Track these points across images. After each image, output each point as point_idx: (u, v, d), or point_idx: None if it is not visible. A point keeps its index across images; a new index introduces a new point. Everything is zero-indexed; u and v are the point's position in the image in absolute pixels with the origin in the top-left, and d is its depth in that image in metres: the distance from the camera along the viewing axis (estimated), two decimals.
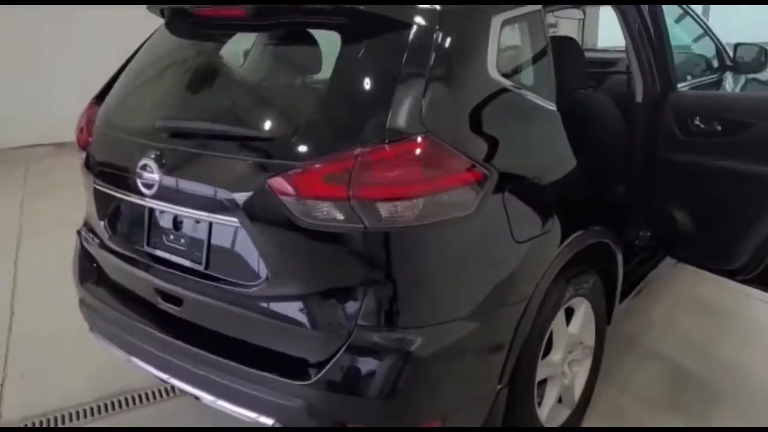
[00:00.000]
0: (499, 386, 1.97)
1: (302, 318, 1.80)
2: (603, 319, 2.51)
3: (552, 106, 2.13)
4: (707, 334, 3.13)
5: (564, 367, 2.34)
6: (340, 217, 1.69)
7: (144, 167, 1.98)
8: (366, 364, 1.73)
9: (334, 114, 1.81)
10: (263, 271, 1.83)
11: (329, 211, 1.69)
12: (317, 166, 1.70)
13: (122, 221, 2.21)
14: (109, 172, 2.16)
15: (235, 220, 1.81)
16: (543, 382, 2.27)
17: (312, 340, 1.81)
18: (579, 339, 2.38)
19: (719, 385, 2.76)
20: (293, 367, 1.81)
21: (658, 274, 3.09)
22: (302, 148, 1.77)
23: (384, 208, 1.67)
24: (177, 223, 2.02)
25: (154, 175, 1.96)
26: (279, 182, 1.72)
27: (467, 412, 1.94)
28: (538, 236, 1.98)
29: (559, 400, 2.39)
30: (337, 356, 1.75)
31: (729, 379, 2.80)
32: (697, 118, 2.67)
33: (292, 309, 1.82)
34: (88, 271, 2.41)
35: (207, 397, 1.97)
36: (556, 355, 2.26)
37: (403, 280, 1.73)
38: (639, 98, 2.87)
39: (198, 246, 1.97)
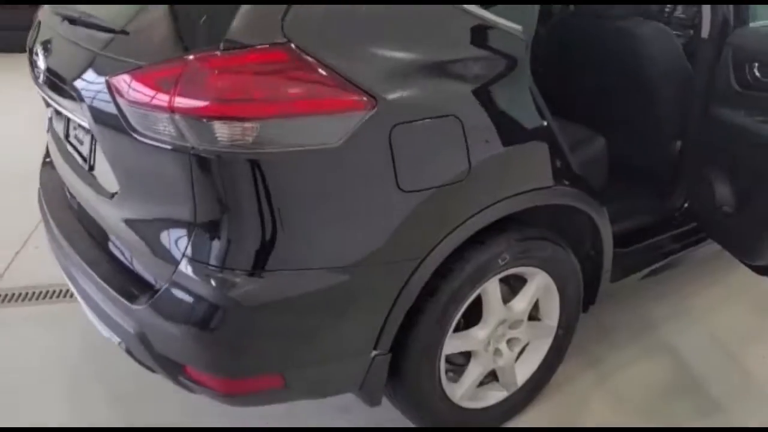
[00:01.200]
0: (375, 352, 1.69)
1: (148, 240, 1.63)
2: (573, 298, 2.09)
3: (505, 26, 1.68)
4: (745, 334, 2.54)
5: (499, 345, 1.99)
6: (169, 132, 1.45)
7: (36, 53, 1.86)
8: (187, 301, 1.53)
9: (190, 10, 1.54)
10: (116, 183, 1.67)
11: (157, 123, 1.46)
12: (151, 69, 1.47)
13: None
14: (31, 57, 2.08)
15: (86, 118, 1.65)
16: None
17: (155, 266, 1.63)
18: (523, 316, 1.99)
19: (722, 398, 2.23)
20: (138, 290, 1.67)
21: (702, 255, 2.54)
22: (150, 47, 1.53)
23: (212, 127, 1.41)
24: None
25: (40, 63, 1.84)
26: (116, 82, 1.51)
27: (326, 375, 1.70)
28: (440, 187, 1.61)
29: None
30: (164, 287, 1.57)
31: (739, 393, 2.26)
32: (756, 65, 2.05)
33: (141, 229, 1.65)
34: (45, 156, 2.40)
35: (83, 306, 1.89)
36: (481, 330, 1.92)
37: (235, 215, 1.48)
38: (705, 33, 2.28)
39: (86, 143, 1.85)
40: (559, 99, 2.66)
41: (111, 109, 1.54)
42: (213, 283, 1.50)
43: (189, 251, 1.53)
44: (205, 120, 1.40)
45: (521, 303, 1.97)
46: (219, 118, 1.40)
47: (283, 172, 1.47)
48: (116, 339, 1.74)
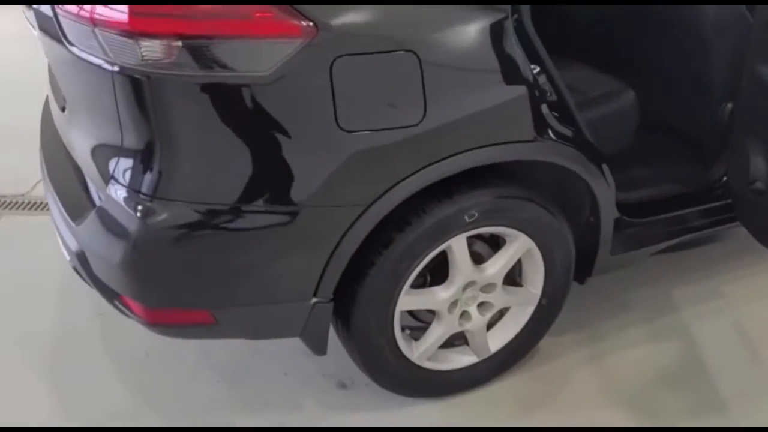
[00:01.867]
0: (314, 299, 1.60)
1: (90, 158, 1.58)
2: (562, 266, 1.89)
3: None
4: None
5: (468, 308, 1.84)
6: (93, 45, 1.38)
7: None
8: (110, 225, 1.49)
9: None
10: (64, 95, 1.63)
11: (83, 34, 1.39)
12: None
13: None
14: None
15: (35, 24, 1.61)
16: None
17: (95, 186, 1.60)
18: (496, 280, 1.83)
19: (726, 398, 1.98)
20: (85, 210, 1.64)
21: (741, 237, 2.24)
22: None
23: (131, 43, 1.32)
24: None
25: None
26: None
27: (261, 318, 1.62)
28: (388, 130, 1.46)
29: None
30: (95, 209, 1.54)
31: (747, 395, 2.00)
32: None
33: (85, 146, 1.60)
34: None
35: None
36: (444, 290, 1.77)
37: (157, 140, 1.40)
38: None
39: None
40: (585, 43, 2.40)
41: (50, 14, 1.49)
42: (130, 208, 1.44)
43: (115, 173, 1.48)
44: (123, 34, 1.32)
45: (494, 266, 1.80)
46: (138, 34, 1.31)
47: (206, 99, 1.37)
48: (67, 257, 1.74)
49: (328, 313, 1.65)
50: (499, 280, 1.83)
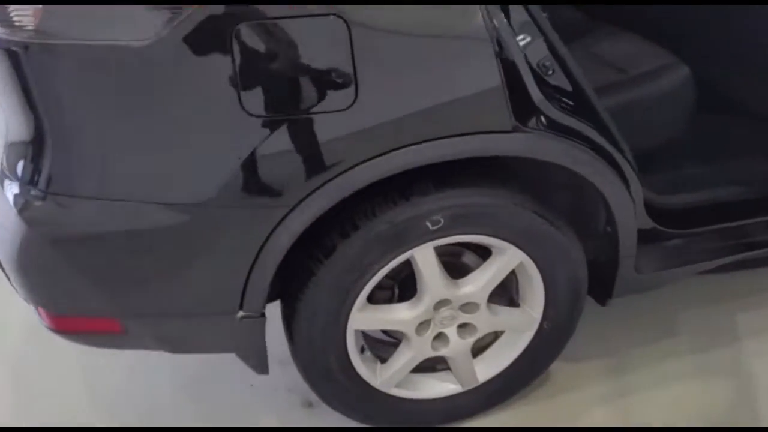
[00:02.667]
0: (241, 313, 1.36)
1: None
2: (567, 285, 1.53)
3: None
4: None
5: (446, 330, 1.52)
6: None
7: None
8: (4, 222, 1.30)
9: None
10: None
11: None
12: None
13: None
14: None
15: None
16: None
17: None
18: (477, 299, 1.49)
19: None
20: None
21: None
22: None
23: None
24: None
25: None
26: None
27: (180, 331, 1.40)
28: (310, 115, 1.17)
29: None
30: None
31: None
32: None
33: None
34: None
35: None
36: (407, 309, 1.47)
37: (29, 122, 1.19)
38: None
39: None
40: (634, 9, 1.96)
41: None
42: (10, 199, 1.24)
43: (6, 165, 1.28)
44: None
45: (473, 283, 1.48)
46: None
47: (77, 73, 1.14)
48: None
49: (260, 329, 1.40)
50: (482, 300, 1.50)
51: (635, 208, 1.50)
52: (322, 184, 1.23)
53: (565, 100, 1.36)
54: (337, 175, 1.22)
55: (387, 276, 1.50)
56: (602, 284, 1.62)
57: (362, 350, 1.54)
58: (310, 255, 1.38)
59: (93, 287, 1.31)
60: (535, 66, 1.32)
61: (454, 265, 1.53)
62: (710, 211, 1.69)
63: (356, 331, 1.47)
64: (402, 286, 1.52)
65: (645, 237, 1.57)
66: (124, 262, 1.28)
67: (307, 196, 1.23)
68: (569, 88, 1.37)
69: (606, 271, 1.59)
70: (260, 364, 1.47)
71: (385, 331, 1.61)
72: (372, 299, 1.52)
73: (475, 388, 1.62)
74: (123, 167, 1.20)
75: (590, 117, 1.39)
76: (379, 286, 1.52)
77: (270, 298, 1.52)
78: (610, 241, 1.54)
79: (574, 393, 1.73)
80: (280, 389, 1.77)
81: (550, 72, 1.35)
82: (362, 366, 1.52)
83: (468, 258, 1.55)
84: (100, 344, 1.45)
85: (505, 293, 1.65)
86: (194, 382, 1.83)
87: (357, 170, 1.23)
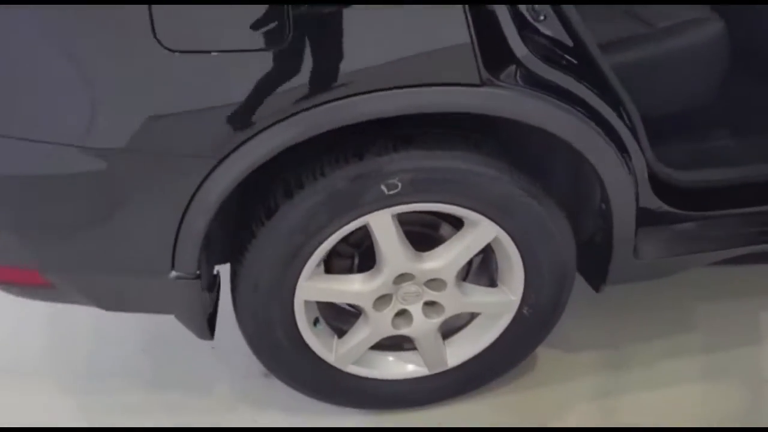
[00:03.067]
0: (174, 274, 1.22)
1: None
2: (550, 267, 1.34)
3: None
4: None
5: (409, 307, 1.36)
6: None
7: None
8: None
9: None
10: None
11: None
12: None
13: None
14: None
15: None
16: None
17: None
18: (443, 275, 1.32)
19: None
20: None
21: None
22: None
23: None
24: None
25: None
26: None
27: (110, 289, 1.28)
28: (235, 53, 1.00)
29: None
30: None
31: None
32: None
33: None
34: None
35: None
36: (365, 282, 1.31)
37: None
38: None
39: None
40: None
41: None
42: None
43: None
44: None
45: (438, 258, 1.30)
46: None
47: None
48: None
49: (196, 292, 1.26)
50: (450, 277, 1.33)
51: (636, 184, 1.28)
52: (256, 134, 1.07)
53: (555, 51, 1.16)
54: (269, 126, 1.06)
55: (349, 243, 1.35)
56: (598, 268, 1.43)
57: (316, 322, 1.39)
58: (252, 215, 1.23)
59: (9, 235, 1.19)
60: (522, 9, 1.11)
61: (430, 238, 1.36)
62: (734, 192, 1.46)
63: (308, 303, 1.33)
64: (363, 256, 1.36)
65: (650, 217, 1.36)
66: (41, 210, 1.16)
67: (238, 146, 1.08)
68: (563, 38, 1.16)
69: (601, 253, 1.39)
70: (200, 330, 1.34)
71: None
72: (331, 269, 1.38)
73: (444, 373, 1.46)
74: (40, 106, 1.07)
75: (586, 74, 1.18)
76: (338, 254, 1.38)
77: (221, 260, 1.41)
78: (605, 220, 1.34)
79: (560, 385, 1.55)
80: (240, 354, 1.63)
81: (542, 17, 1.14)
82: (315, 340, 1.37)
83: (445, 230, 1.38)
84: (33, 296, 1.34)
85: (487, 272, 1.48)
86: (159, 343, 1.72)
87: (292, 122, 1.06)
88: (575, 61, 1.18)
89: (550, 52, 1.15)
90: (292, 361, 1.39)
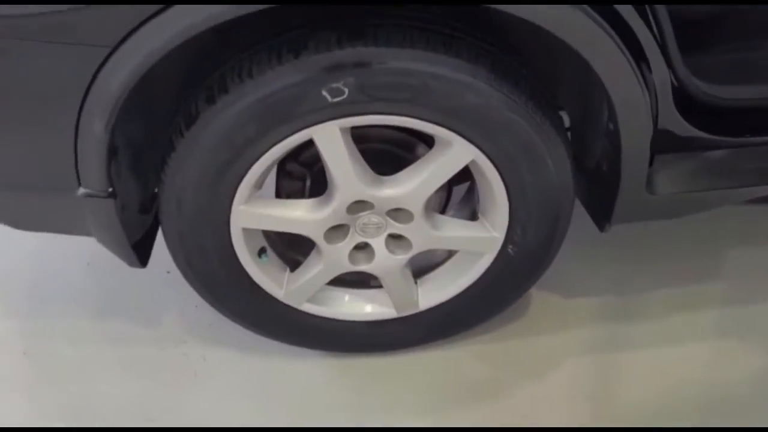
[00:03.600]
0: (82, 190, 1.03)
1: None
2: (542, 198, 1.10)
3: None
4: None
5: (371, 240, 1.15)
6: None
7: None
8: None
9: None
10: None
11: None
12: None
13: None
14: None
15: None
16: None
17: None
18: (407, 205, 1.09)
19: None
20: None
21: None
22: None
23: None
24: None
25: None
26: None
27: (13, 205, 1.10)
28: None
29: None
30: None
31: None
32: None
33: None
34: None
35: None
36: (313, 210, 1.10)
37: None
38: None
39: None
40: None
41: None
42: None
43: None
44: None
45: (402, 183, 1.07)
46: None
47: None
48: None
49: (111, 213, 1.07)
50: (416, 207, 1.10)
51: (656, 101, 1.02)
52: (148, 18, 0.84)
53: None
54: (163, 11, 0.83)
55: (300, 162, 1.14)
56: (603, 203, 1.18)
57: (261, 253, 1.20)
58: (174, 126, 1.02)
59: None
60: None
61: (404, 160, 1.13)
62: None
63: (250, 230, 1.13)
64: (316, 178, 1.15)
65: (671, 142, 1.10)
66: None
67: (132, 32, 0.86)
68: None
69: (608, 185, 1.15)
70: (126, 256, 1.16)
71: None
72: (282, 192, 1.17)
73: (415, 316, 1.27)
74: None
75: None
76: (290, 176, 1.17)
77: None
78: (612, 144, 1.09)
79: (551, 335, 1.34)
80: None
81: None
82: (260, 273, 1.18)
83: (422, 152, 1.15)
84: None
85: (470, 203, 1.25)
86: (113, 267, 1.55)
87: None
88: None
89: None
90: (234, 296, 1.21)
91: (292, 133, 0.99)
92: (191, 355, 1.36)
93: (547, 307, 1.38)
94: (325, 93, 0.94)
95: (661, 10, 0.99)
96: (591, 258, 1.44)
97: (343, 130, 1.00)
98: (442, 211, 1.25)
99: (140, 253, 1.17)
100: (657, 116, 1.06)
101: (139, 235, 1.17)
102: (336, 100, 0.95)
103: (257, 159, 1.01)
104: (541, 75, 1.08)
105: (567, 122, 1.22)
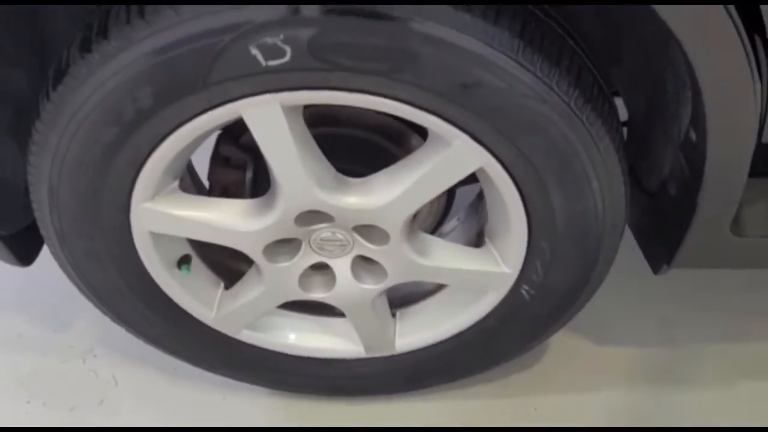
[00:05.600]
0: None
1: None
2: (575, 225, 0.75)
3: None
4: None
5: (330, 261, 0.82)
6: None
7: None
8: None
9: None
10: None
11: None
12: None
13: None
14: None
15: None
16: None
17: None
18: (382, 222, 0.75)
19: None
20: None
21: None
22: None
23: None
24: None
25: None
26: None
27: None
28: None
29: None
30: None
31: None
32: None
33: None
34: None
35: None
36: (245, 216, 0.77)
37: None
38: None
39: None
40: None
41: None
42: None
43: None
44: None
45: (371, 190, 0.74)
46: None
47: None
48: None
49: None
50: (393, 227, 0.76)
51: (765, 105, 0.67)
52: None
53: None
54: None
55: (240, 146, 0.81)
56: (665, 238, 0.84)
57: (181, 264, 0.87)
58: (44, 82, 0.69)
59: None
60: None
61: (394, 157, 0.80)
62: None
63: (160, 236, 0.81)
64: (260, 170, 0.81)
65: None
66: None
67: None
68: None
69: (676, 215, 0.80)
70: (19, 257, 0.86)
71: None
72: (216, 186, 0.85)
73: (390, 358, 0.95)
74: None
75: None
76: (226, 163, 0.84)
77: None
78: (690, 159, 0.73)
79: (571, 396, 1.00)
80: None
81: None
82: (180, 290, 0.86)
83: (416, 142, 0.81)
84: None
85: (477, 215, 0.91)
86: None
87: None
88: None
89: None
90: (144, 317, 0.89)
91: (209, 108, 0.65)
92: (100, 375, 1.06)
93: (571, 355, 1.04)
94: (255, 52, 0.61)
95: None
96: (637, 291, 1.10)
97: (288, 108, 0.67)
98: (439, 224, 0.92)
99: (19, 248, 0.86)
100: (763, 124, 0.71)
101: (20, 224, 0.86)
102: (272, 63, 0.61)
103: (160, 141, 0.69)
104: (595, 46, 0.73)
105: (623, 116, 0.87)
